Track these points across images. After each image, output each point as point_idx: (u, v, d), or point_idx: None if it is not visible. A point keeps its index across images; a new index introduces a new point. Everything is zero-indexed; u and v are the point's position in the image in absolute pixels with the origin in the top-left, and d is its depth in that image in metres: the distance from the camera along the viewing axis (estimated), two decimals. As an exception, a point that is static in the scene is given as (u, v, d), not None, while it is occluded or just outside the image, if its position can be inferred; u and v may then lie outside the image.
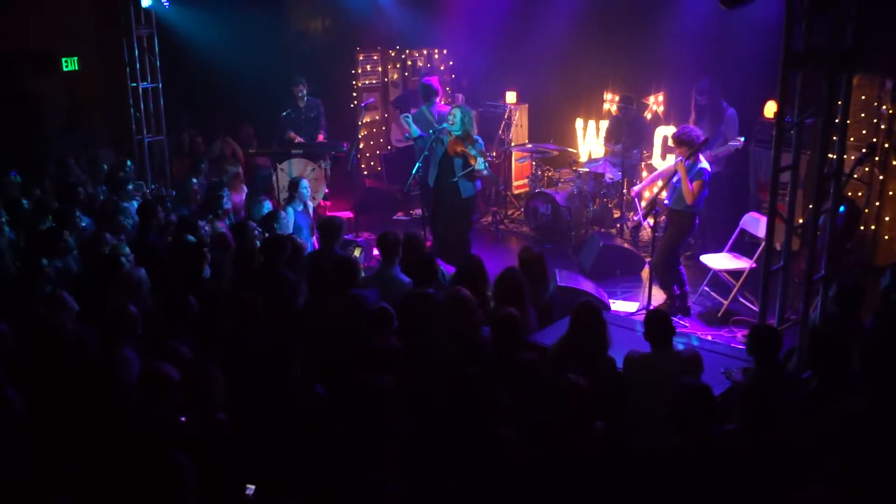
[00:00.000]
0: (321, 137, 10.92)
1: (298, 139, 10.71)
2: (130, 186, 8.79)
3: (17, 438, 4.15)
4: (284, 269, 6.37)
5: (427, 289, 5.88)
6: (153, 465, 3.83)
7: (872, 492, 3.75)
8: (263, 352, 4.77)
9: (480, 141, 8.66)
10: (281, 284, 6.17)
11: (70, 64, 12.03)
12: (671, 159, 10.09)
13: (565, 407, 4.20)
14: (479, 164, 8.43)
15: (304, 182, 8.78)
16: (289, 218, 8.15)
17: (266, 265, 6.45)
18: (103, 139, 11.60)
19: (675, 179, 7.71)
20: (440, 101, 10.22)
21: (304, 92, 10.84)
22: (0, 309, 5.42)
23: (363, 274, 6.84)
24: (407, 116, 9.40)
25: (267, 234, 7.24)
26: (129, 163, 9.56)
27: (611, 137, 10.76)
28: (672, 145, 7.77)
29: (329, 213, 10.79)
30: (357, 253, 8.28)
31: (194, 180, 9.23)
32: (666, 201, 7.96)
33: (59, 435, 4.28)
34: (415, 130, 9.21)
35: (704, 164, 7.63)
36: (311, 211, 8.96)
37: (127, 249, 6.67)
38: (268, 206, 8.48)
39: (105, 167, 9.76)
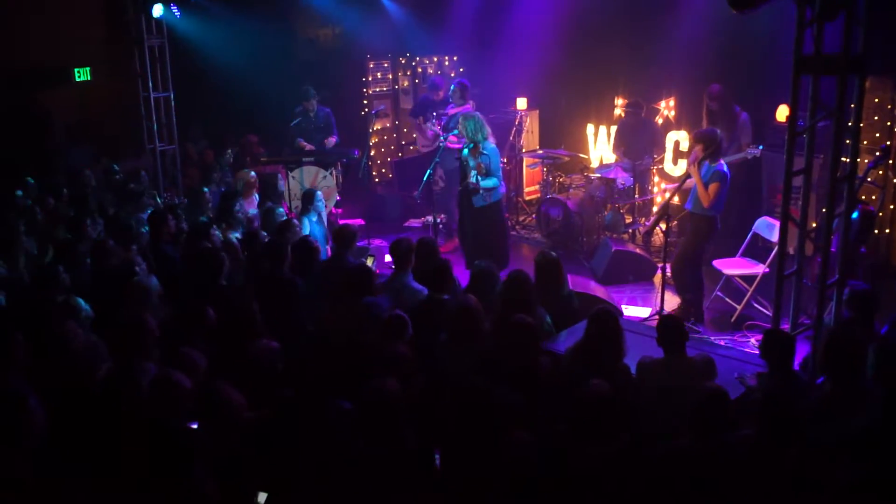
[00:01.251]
0: (334, 140, 10.95)
1: (308, 147, 10.72)
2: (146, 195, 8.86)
3: (39, 450, 4.15)
4: (287, 274, 6.39)
5: (443, 295, 5.87)
6: (171, 474, 3.83)
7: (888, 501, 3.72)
8: (278, 360, 4.78)
9: (488, 153, 8.35)
10: (282, 289, 6.19)
11: (82, 74, 12.13)
12: (682, 164, 10.08)
13: (586, 414, 4.17)
14: (473, 177, 8.29)
15: (319, 193, 8.79)
16: (304, 229, 8.16)
17: (269, 271, 6.50)
18: (127, 149, 11.67)
19: (689, 182, 7.70)
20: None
21: (315, 104, 10.86)
22: (16, 318, 5.45)
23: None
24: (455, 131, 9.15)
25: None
26: (142, 173, 9.61)
27: (619, 144, 10.76)
28: (689, 143, 7.74)
29: (341, 221, 10.81)
30: (370, 262, 8.27)
31: (206, 189, 9.27)
32: (686, 205, 7.92)
33: (75, 445, 4.28)
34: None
35: (723, 164, 7.59)
36: (325, 221, 8.97)
37: (138, 258, 6.71)
38: (281, 213, 8.49)
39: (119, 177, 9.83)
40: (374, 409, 4.12)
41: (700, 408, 4.16)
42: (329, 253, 8.36)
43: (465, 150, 8.48)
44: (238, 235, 7.84)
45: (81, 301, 5.64)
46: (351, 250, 7.04)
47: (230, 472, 3.95)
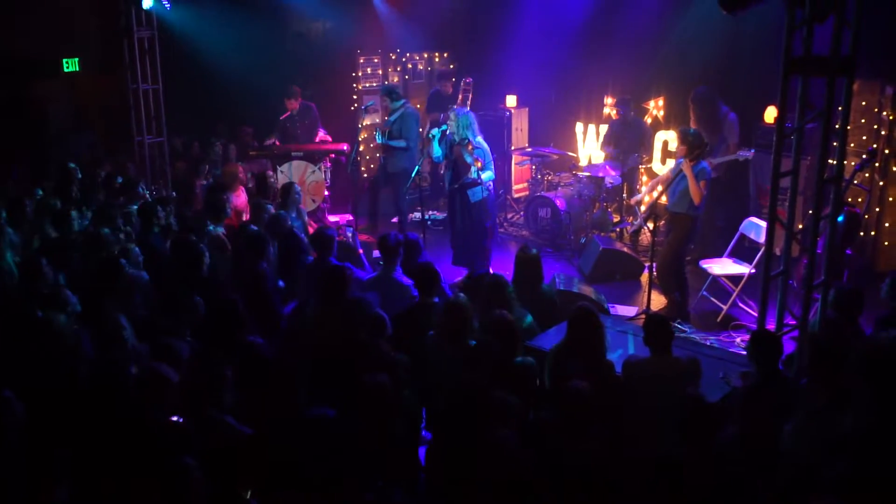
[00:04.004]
0: (322, 134, 10.92)
1: (272, 140, 10.67)
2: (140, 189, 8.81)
3: (18, 441, 4.13)
4: (263, 268, 6.41)
5: (432, 298, 5.86)
6: (156, 467, 3.81)
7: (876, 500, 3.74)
8: (264, 357, 4.77)
9: (481, 147, 8.45)
10: (259, 281, 6.17)
11: (71, 65, 12.04)
12: (671, 164, 10.10)
13: (567, 412, 4.19)
14: (473, 172, 8.32)
15: (297, 187, 8.73)
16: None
17: (247, 262, 6.52)
18: (115, 141, 11.59)
19: (675, 182, 7.72)
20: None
21: (297, 101, 10.84)
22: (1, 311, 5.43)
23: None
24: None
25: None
26: (130, 164, 9.55)
27: (608, 142, 10.78)
28: (679, 143, 7.76)
29: (329, 215, 10.80)
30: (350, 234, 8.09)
31: (196, 182, 9.23)
32: (668, 206, 7.95)
33: (58, 437, 4.26)
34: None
35: (704, 163, 7.65)
36: (304, 216, 8.89)
37: (136, 249, 6.69)
38: (270, 208, 8.44)
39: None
40: (367, 404, 4.13)
41: (685, 420, 4.19)
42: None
43: (435, 134, 8.56)
44: (222, 229, 7.82)
45: (69, 293, 5.60)
46: (331, 253, 6.92)
47: (219, 467, 3.94)
